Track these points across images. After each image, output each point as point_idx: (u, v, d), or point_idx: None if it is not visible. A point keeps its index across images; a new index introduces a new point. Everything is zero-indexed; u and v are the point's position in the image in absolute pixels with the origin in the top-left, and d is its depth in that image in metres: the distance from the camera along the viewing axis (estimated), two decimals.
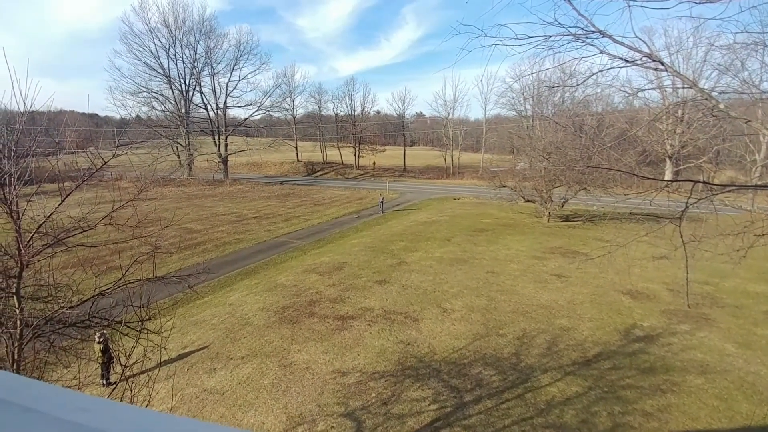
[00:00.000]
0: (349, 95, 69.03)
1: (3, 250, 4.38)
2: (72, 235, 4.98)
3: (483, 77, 62.77)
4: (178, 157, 57.70)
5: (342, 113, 70.92)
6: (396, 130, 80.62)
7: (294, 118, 72.30)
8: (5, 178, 4.39)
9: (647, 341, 11.24)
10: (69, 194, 4.75)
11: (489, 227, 25.55)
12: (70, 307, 5.07)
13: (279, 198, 40.27)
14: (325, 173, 66.25)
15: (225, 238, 23.79)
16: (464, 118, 73.20)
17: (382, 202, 33.05)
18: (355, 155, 67.46)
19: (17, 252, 4.31)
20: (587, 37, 4.73)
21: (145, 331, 5.68)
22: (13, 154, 4.80)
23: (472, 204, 36.00)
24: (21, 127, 5.13)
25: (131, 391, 5.49)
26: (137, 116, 57.81)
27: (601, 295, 14.30)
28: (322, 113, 75.10)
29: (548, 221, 26.79)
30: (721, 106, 4.92)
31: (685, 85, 5.26)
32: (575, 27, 4.69)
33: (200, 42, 55.53)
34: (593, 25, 4.63)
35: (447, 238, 22.75)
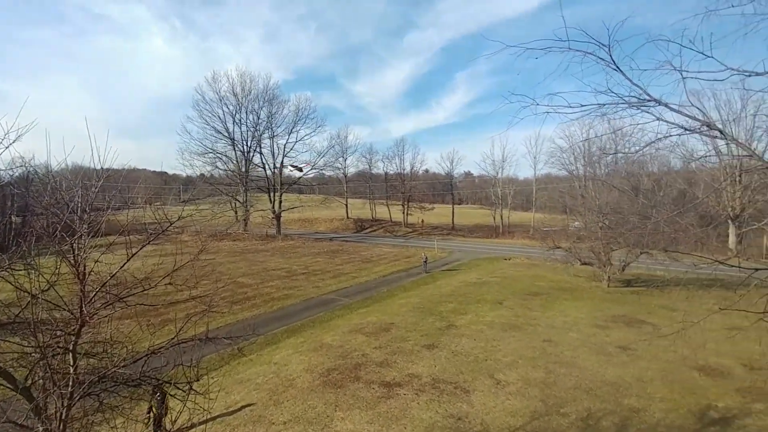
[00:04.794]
0: (398, 155, 71.25)
1: (66, 308, 4.57)
2: (132, 294, 5.14)
3: (532, 138, 62.66)
4: (236, 212, 60.96)
5: (391, 172, 72.88)
6: (444, 188, 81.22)
7: (345, 176, 75.10)
8: (75, 240, 4.63)
9: (722, 424, 9.98)
10: (132, 256, 4.96)
11: (543, 291, 24.24)
12: (122, 366, 5.12)
13: (328, 254, 40.83)
14: (374, 230, 66.98)
15: (274, 294, 24.11)
16: (513, 177, 72.53)
17: (425, 261, 32.25)
18: (403, 213, 68.16)
19: (79, 309, 4.47)
20: (642, 106, 4.63)
21: (193, 393, 5.65)
22: (86, 215, 5.10)
23: (524, 265, 34.62)
24: (96, 189, 5.50)
25: None
26: (201, 174, 62.48)
27: (672, 371, 12.80)
28: (373, 172, 77.52)
29: (608, 286, 25.05)
30: None
31: (746, 153, 4.95)
32: (629, 96, 4.63)
33: (263, 108, 60.35)
34: (648, 94, 4.56)
35: (499, 300, 21.74)
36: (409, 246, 47.24)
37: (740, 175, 37.13)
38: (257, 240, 51.71)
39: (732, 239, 40.22)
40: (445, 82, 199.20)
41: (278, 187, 60.34)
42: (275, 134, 61.48)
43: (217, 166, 61.35)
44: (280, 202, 60.38)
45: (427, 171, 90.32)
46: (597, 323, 17.76)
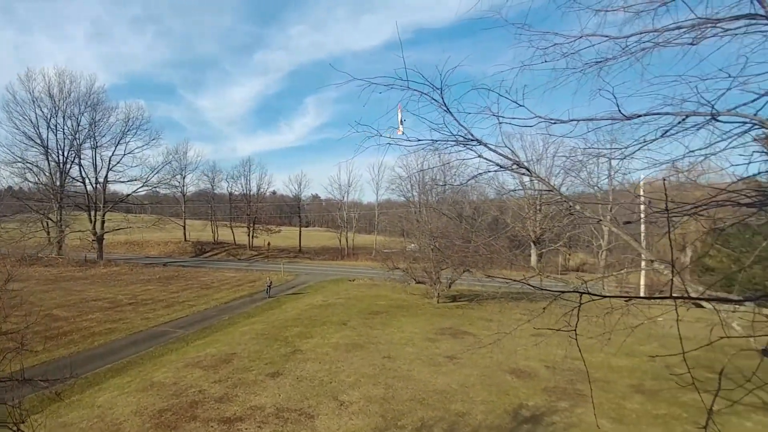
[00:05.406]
0: (245, 175, 68.58)
1: None
2: None
3: (376, 165, 67.38)
4: (48, 233, 50.59)
5: (237, 192, 69.60)
6: (292, 211, 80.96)
7: (184, 195, 68.66)
8: None
9: (534, 422, 11.69)
10: None
11: (384, 309, 25.97)
12: None
13: (161, 281, 36.67)
14: (216, 254, 62.59)
15: (95, 328, 20.74)
16: (358, 201, 76.88)
17: (269, 286, 31.06)
18: (249, 235, 65.41)
19: None
20: (467, 144, 5.51)
21: None
22: None
23: (367, 285, 36.51)
24: None
25: None
26: (9, 187, 51.01)
27: (490, 375, 14.98)
28: (216, 192, 72.79)
29: (438, 302, 28.16)
30: (577, 207, 5.88)
31: (546, 188, 6.18)
32: (457, 135, 5.47)
33: (84, 114, 51.70)
34: (471, 134, 5.42)
35: (343, 321, 22.53)
36: (255, 270, 45.48)
37: (541, 206, 45.56)
38: (74, 266, 43.67)
39: (534, 258, 49.13)
40: (295, 105, 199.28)
41: (101, 206, 52.03)
42: (99, 144, 53.06)
43: (26, 178, 50.56)
44: (103, 222, 52.09)
45: (274, 193, 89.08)
46: (429, 336, 19.82)
